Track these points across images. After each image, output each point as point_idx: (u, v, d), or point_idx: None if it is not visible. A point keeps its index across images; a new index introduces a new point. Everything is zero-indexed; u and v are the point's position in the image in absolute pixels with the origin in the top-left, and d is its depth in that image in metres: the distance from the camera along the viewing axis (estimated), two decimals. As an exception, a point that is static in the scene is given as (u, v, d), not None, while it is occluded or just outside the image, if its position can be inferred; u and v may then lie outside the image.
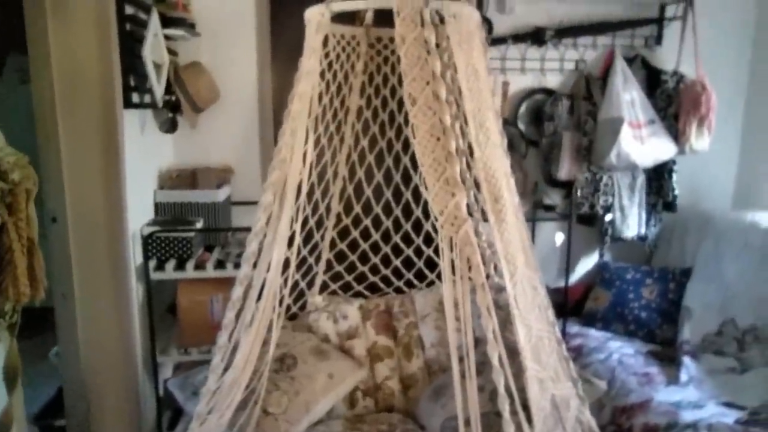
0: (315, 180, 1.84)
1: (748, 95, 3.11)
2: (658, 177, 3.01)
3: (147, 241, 2.36)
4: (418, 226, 2.06)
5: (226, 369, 1.51)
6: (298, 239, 1.66)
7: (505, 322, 1.41)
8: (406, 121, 1.95)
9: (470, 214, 1.36)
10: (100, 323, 2.20)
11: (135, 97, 2.24)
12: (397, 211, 2.07)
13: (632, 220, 3.01)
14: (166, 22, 2.48)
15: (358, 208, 2.03)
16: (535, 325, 1.46)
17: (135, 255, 2.32)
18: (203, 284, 2.45)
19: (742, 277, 2.48)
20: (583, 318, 2.93)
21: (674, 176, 2.96)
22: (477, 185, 1.45)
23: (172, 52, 2.58)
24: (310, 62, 1.45)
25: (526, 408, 1.32)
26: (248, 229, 2.65)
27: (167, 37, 2.49)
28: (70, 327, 2.16)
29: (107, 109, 2.08)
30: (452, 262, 1.30)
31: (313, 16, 1.48)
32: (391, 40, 1.86)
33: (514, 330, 1.36)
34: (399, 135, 1.93)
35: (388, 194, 2.04)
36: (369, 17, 1.81)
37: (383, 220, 2.08)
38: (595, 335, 2.76)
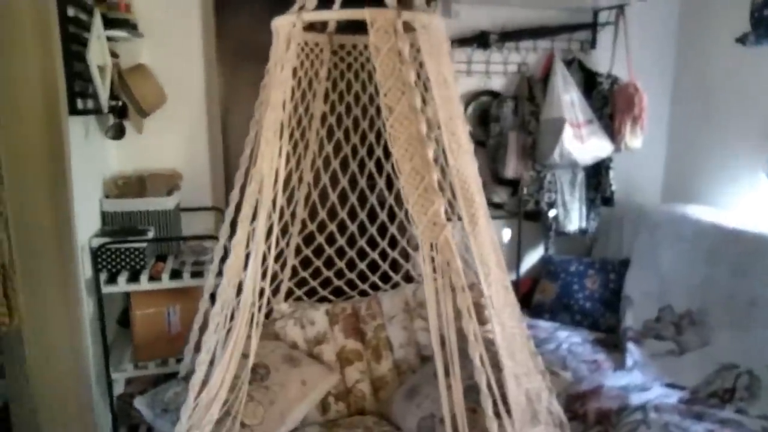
0: (280, 187, 1.82)
1: (673, 95, 3.36)
2: (596, 174, 3.19)
3: (97, 253, 2.26)
4: (383, 230, 2.09)
5: (204, 384, 1.49)
6: (269, 246, 1.65)
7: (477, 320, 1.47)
8: (371, 126, 1.99)
9: (448, 219, 1.41)
10: (50, 340, 2.08)
11: (80, 103, 2.13)
12: (363, 216, 2.10)
13: (574, 215, 3.17)
14: (108, 23, 2.37)
15: (323, 214, 2.03)
16: (508, 322, 1.53)
17: (84, 268, 2.21)
18: (158, 295, 2.36)
19: (676, 266, 2.68)
20: (532, 310, 3.06)
21: (611, 173, 3.15)
22: (452, 191, 1.49)
23: (113, 55, 2.46)
24: (284, 73, 1.44)
25: (504, 403, 1.38)
26: (203, 237, 2.63)
27: (109, 39, 2.38)
28: (16, 345, 2.03)
29: (52, 117, 1.97)
30: (433, 266, 1.34)
31: (283, 26, 1.47)
32: (354, 47, 1.88)
33: (491, 328, 1.42)
34: (363, 140, 1.95)
35: (353, 199, 2.06)
36: (332, 24, 1.82)
37: (348, 225, 2.10)
38: (544, 326, 2.90)
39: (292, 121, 1.80)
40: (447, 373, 1.32)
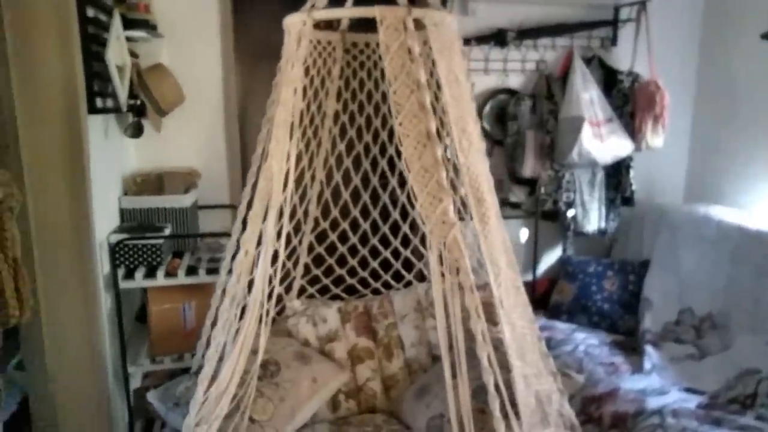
0: (293, 185, 1.83)
1: (696, 94, 3.28)
2: (616, 173, 3.14)
3: (115, 249, 2.30)
4: (395, 228, 2.09)
5: (213, 379, 1.50)
6: (280, 244, 1.66)
7: (486, 320, 1.45)
8: (383, 125, 1.98)
9: (460, 218, 1.40)
10: (68, 334, 2.12)
11: (99, 102, 2.17)
12: (375, 214, 2.09)
13: (593, 215, 3.13)
14: (128, 23, 2.41)
15: (335, 212, 2.03)
16: (518, 323, 1.51)
17: (102, 264, 2.25)
18: (174, 291, 2.40)
19: (698, 268, 2.62)
20: (549, 311, 3.03)
21: (631, 172, 3.10)
22: (462, 189, 1.48)
23: (133, 54, 2.50)
24: (294, 71, 1.44)
25: (512, 404, 1.36)
26: (219, 234, 2.65)
27: (128, 39, 2.42)
28: (35, 339, 2.08)
29: (71, 115, 2.01)
30: (441, 265, 1.33)
31: (294, 24, 1.47)
32: (367, 45, 1.87)
33: (501, 329, 1.41)
34: (376, 139, 1.95)
35: (365, 197, 2.06)
36: (345, 23, 1.82)
37: (361, 223, 2.10)
38: (561, 327, 2.86)
39: (304, 120, 1.80)
40: (456, 374, 1.31)
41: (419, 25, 1.41)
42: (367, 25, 1.46)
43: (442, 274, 1.31)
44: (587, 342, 2.67)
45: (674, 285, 2.68)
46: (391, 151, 1.95)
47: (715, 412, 2.04)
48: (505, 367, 1.37)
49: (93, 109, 2.12)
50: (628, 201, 3.14)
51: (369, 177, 2.03)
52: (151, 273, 2.34)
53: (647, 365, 2.39)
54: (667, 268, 2.76)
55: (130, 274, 2.32)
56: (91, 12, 2.09)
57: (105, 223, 2.34)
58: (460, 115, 1.47)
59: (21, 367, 2.12)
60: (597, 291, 2.93)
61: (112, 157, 2.50)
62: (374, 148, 1.97)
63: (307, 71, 1.76)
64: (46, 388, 2.11)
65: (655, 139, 2.92)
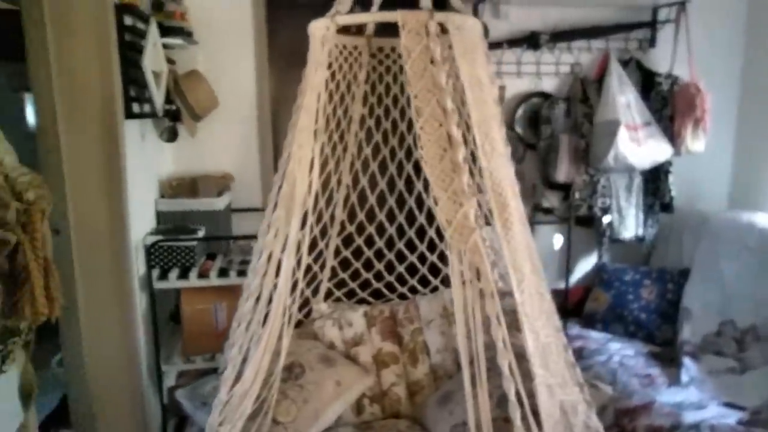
0: (319, 188, 1.84)
1: (741, 96, 3.15)
2: (655, 178, 3.04)
3: (150, 250, 2.36)
4: (421, 233, 2.08)
5: (236, 380, 1.52)
6: (303, 248, 1.67)
7: (511, 327, 1.42)
8: (409, 129, 1.98)
9: (487, 223, 1.38)
10: (105, 333, 2.20)
11: (136, 107, 2.24)
12: (401, 218, 2.09)
13: (630, 221, 3.04)
14: (165, 31, 2.48)
15: (361, 216, 2.04)
16: (542, 331, 1.47)
17: (138, 265, 2.32)
18: (206, 292, 2.45)
19: (741, 278, 2.51)
20: (583, 319, 2.96)
21: (670, 177, 3.00)
22: (484, 194, 1.46)
23: (170, 61, 2.58)
24: (317, 76, 1.45)
25: (535, 414, 1.33)
26: (250, 237, 2.69)
27: (165, 46, 2.49)
28: (74, 337, 2.16)
29: (109, 120, 2.08)
30: (461, 270, 1.31)
31: (318, 29, 1.49)
32: (393, 49, 1.88)
33: (523, 337, 1.38)
34: (402, 143, 1.94)
35: (391, 201, 2.06)
36: (370, 27, 1.83)
37: (387, 227, 2.10)
38: (595, 337, 2.79)
39: (330, 124, 1.82)
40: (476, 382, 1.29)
41: (443, 29, 1.40)
42: (394, 30, 1.46)
43: (463, 280, 1.30)
44: (622, 352, 2.59)
45: (715, 295, 2.58)
46: (417, 155, 1.94)
47: (756, 429, 1.94)
48: (529, 375, 1.34)
49: (130, 114, 2.19)
50: (667, 207, 3.04)
51: (395, 181, 2.03)
52: (184, 274, 2.40)
53: (685, 378, 2.30)
54: (708, 277, 2.66)
55: (164, 275, 2.39)
56: (128, 20, 2.17)
57: (141, 225, 2.42)
58: (483, 119, 1.45)
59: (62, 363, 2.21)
60: (634, 300, 2.84)
61: (149, 161, 2.58)
62: (400, 152, 1.96)
63: (333, 76, 1.77)
64: (83, 385, 2.19)
65: (695, 143, 2.82)
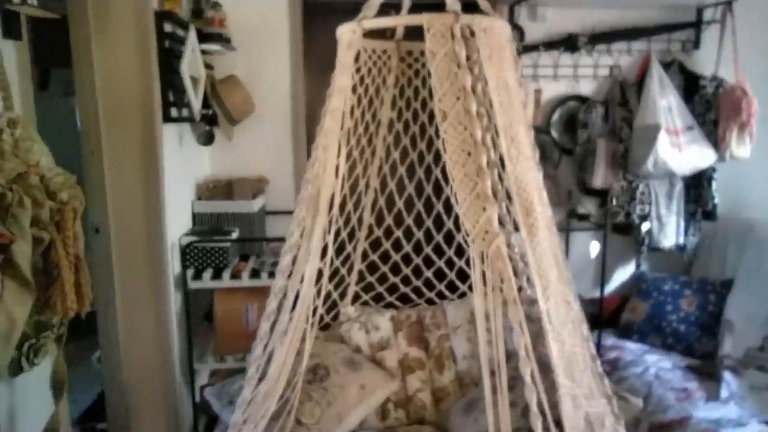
0: (347, 192, 1.85)
1: (791, 100, 3.01)
2: (697, 185, 2.94)
3: (185, 251, 2.43)
4: (449, 238, 2.07)
5: (260, 379, 1.54)
6: (330, 251, 1.68)
7: (537, 335, 1.40)
8: (437, 133, 1.96)
9: (502, 226, 1.36)
10: (140, 330, 2.27)
11: (174, 112, 2.31)
12: (429, 223, 2.08)
13: (670, 229, 2.94)
14: (203, 37, 2.55)
15: (389, 220, 2.04)
16: (568, 340, 1.44)
17: (174, 264, 2.39)
18: (239, 293, 2.50)
19: (787, 290, 2.40)
20: (619, 330, 2.87)
21: (714, 184, 2.89)
22: (509, 199, 1.44)
23: (208, 66, 2.65)
24: (343, 79, 1.47)
25: (558, 425, 1.30)
26: (282, 239, 2.71)
27: (204, 52, 2.56)
28: (111, 334, 2.24)
29: (147, 124, 2.15)
30: (483, 276, 1.30)
31: (345, 33, 1.50)
32: (422, 53, 1.87)
33: (547, 345, 1.35)
34: (430, 147, 1.94)
35: (419, 206, 2.05)
36: (399, 31, 1.83)
37: (415, 232, 2.09)
38: (631, 348, 2.71)
39: (359, 128, 1.83)
40: (510, 389, 1.27)
41: (471, 32, 1.39)
42: (423, 34, 1.46)
43: (485, 285, 1.28)
44: (659, 365, 2.50)
45: (760, 307, 2.46)
46: (445, 159, 1.93)
47: (800, 450, 1.85)
48: (554, 385, 1.31)
49: (168, 118, 2.26)
50: (709, 215, 2.93)
51: (423, 185, 2.02)
52: (217, 274, 2.46)
53: (724, 393, 2.21)
54: (752, 288, 2.54)
55: (198, 275, 2.45)
56: (168, 27, 2.24)
57: (178, 226, 2.48)
58: (510, 123, 1.43)
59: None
60: (673, 310, 2.74)
61: (187, 164, 2.65)
62: (428, 156, 1.96)
63: (362, 79, 1.78)
64: (119, 381, 2.27)
65: (740, 148, 2.71)
